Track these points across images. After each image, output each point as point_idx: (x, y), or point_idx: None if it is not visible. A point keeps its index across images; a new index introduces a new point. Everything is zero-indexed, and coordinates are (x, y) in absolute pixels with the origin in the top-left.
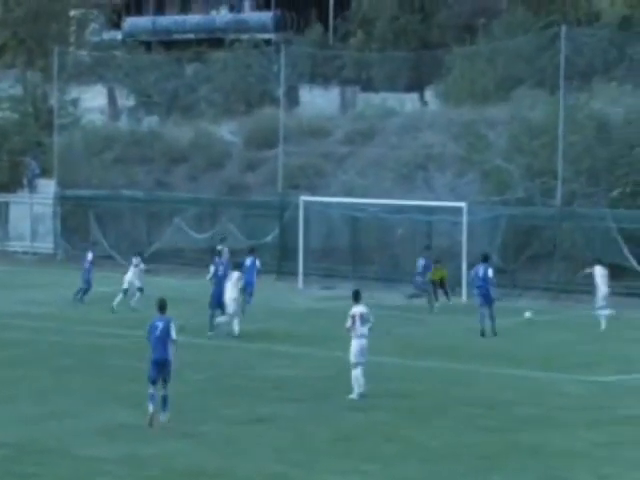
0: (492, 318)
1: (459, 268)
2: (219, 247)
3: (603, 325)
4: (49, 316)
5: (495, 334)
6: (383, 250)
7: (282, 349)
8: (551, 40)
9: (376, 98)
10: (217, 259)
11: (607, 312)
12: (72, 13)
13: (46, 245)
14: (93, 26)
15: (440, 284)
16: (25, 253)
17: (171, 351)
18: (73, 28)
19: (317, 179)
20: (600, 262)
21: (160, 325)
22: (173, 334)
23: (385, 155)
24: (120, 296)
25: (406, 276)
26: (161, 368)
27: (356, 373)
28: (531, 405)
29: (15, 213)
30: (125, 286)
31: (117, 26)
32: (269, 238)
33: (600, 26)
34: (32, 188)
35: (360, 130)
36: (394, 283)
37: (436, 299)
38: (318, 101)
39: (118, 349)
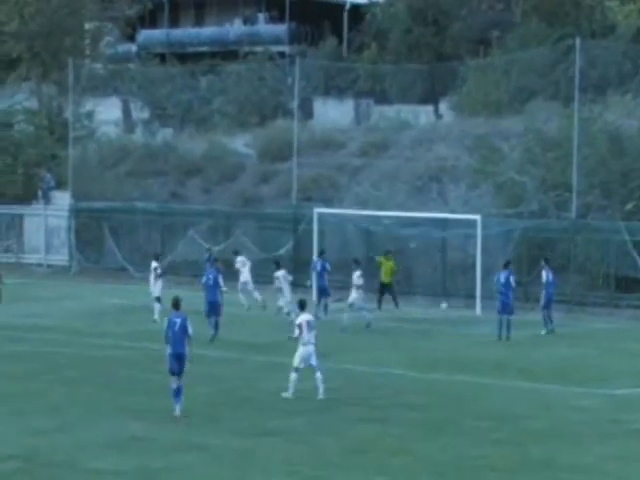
0: (508, 327)
1: (473, 281)
2: (206, 255)
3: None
4: (60, 328)
5: (508, 340)
6: (397, 262)
7: (291, 361)
8: (565, 52)
9: (390, 110)
10: (209, 266)
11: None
12: (87, 26)
13: (60, 257)
14: (107, 39)
15: (386, 287)
16: (39, 265)
17: (187, 345)
18: (88, 41)
19: (331, 191)
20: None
21: (178, 321)
22: (190, 330)
23: (399, 167)
24: (158, 306)
25: (420, 288)
26: (179, 361)
27: (294, 377)
28: (542, 418)
29: (30, 225)
30: (156, 294)
31: (131, 39)
32: (283, 250)
33: (614, 38)
34: (47, 200)
35: (374, 142)
36: (408, 296)
37: (379, 307)
38: (332, 113)
39: (129, 361)
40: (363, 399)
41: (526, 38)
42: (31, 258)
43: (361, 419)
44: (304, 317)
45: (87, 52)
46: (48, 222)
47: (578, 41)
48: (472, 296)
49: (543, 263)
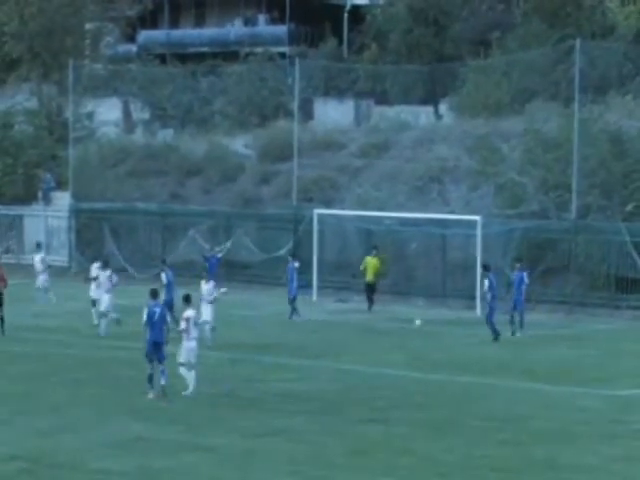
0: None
1: (473, 281)
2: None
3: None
4: (62, 329)
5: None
6: (397, 263)
7: (295, 362)
8: (566, 53)
9: (390, 111)
10: (165, 268)
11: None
12: (87, 26)
13: (61, 258)
14: (108, 39)
15: (371, 286)
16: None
17: (164, 333)
18: (88, 41)
19: (331, 192)
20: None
21: (158, 311)
22: (168, 318)
23: (399, 168)
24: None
25: (420, 289)
26: (156, 348)
27: (184, 371)
28: (546, 419)
29: (30, 226)
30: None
31: (132, 39)
32: (283, 251)
33: (615, 39)
34: (47, 201)
35: (374, 143)
36: (408, 296)
37: (370, 306)
38: (332, 114)
39: (131, 362)
40: (366, 400)
41: (526, 39)
42: (31, 259)
43: (364, 420)
44: (190, 312)
45: (87, 52)
46: (48, 223)
47: (578, 42)
48: (472, 297)
49: (517, 264)
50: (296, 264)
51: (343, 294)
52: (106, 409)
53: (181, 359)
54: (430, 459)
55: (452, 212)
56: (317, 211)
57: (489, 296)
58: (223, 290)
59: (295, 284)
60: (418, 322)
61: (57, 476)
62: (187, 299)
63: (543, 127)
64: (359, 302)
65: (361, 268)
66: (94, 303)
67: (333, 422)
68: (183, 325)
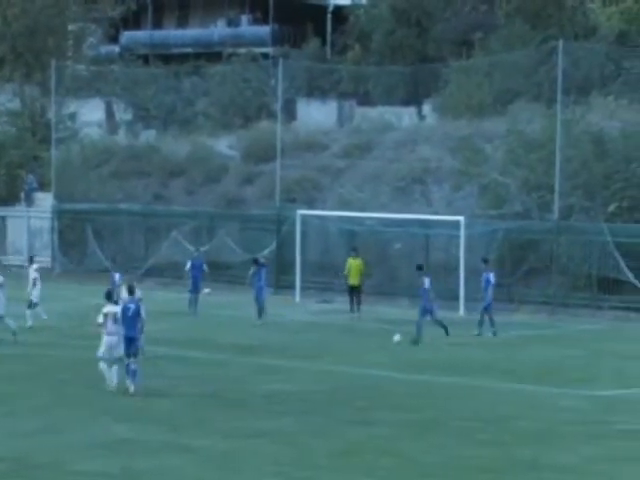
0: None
1: (456, 282)
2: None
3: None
4: (45, 330)
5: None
6: (381, 264)
7: (279, 363)
8: (548, 54)
9: (373, 112)
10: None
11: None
12: (70, 27)
13: (43, 259)
14: (91, 40)
15: (355, 289)
16: (22, 267)
17: (139, 328)
18: (71, 42)
19: (314, 193)
20: (486, 261)
21: (132, 307)
22: (143, 314)
23: (382, 169)
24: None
25: (404, 290)
26: (132, 343)
27: (103, 366)
28: (529, 419)
29: (12, 227)
30: None
31: (115, 40)
32: (266, 252)
33: (597, 40)
34: (29, 202)
35: (357, 144)
36: (392, 296)
37: (357, 309)
38: (315, 115)
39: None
40: (350, 401)
41: (509, 40)
42: (14, 260)
43: (348, 421)
44: (110, 308)
45: (70, 53)
46: (31, 224)
47: (561, 43)
48: (456, 297)
49: (484, 265)
50: (262, 266)
51: (326, 295)
52: (89, 410)
53: (99, 353)
54: (413, 460)
55: (435, 213)
56: (300, 212)
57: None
58: (206, 291)
59: (260, 285)
60: (397, 338)
61: (39, 477)
62: (109, 295)
63: (526, 128)
64: (342, 303)
65: (345, 273)
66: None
67: (317, 423)
68: (100, 319)
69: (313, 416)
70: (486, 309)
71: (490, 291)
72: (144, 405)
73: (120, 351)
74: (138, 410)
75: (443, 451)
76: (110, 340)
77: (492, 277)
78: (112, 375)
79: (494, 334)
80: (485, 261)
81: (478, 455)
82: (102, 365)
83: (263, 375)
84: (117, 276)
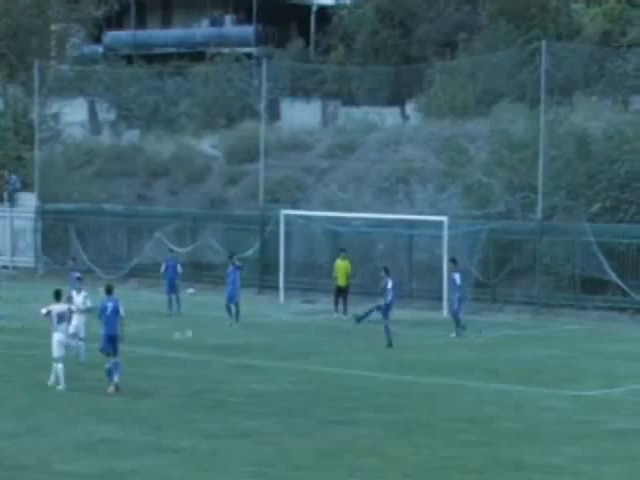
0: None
1: (440, 282)
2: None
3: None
4: (28, 331)
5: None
6: (365, 264)
7: (262, 363)
8: (532, 55)
9: (357, 112)
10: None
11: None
12: (53, 27)
13: (26, 259)
14: (74, 40)
15: (342, 290)
16: (5, 267)
17: (119, 326)
18: (54, 42)
19: (298, 193)
20: (454, 262)
21: (110, 305)
22: (122, 311)
23: (366, 169)
24: None
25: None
26: (113, 342)
27: (56, 367)
28: (513, 420)
29: None
30: None
31: (98, 40)
32: (250, 252)
33: (580, 41)
34: (12, 202)
35: (341, 144)
36: (375, 297)
37: (344, 309)
38: (299, 115)
39: (96, 363)
40: (334, 401)
41: (493, 40)
42: None
43: (332, 421)
44: (56, 307)
45: (53, 53)
46: (14, 224)
47: (544, 43)
48: (439, 298)
49: (451, 265)
50: (238, 264)
51: (310, 295)
52: (72, 411)
53: (54, 354)
54: (397, 460)
55: (419, 213)
56: (284, 212)
57: (457, 294)
58: (190, 291)
59: (235, 286)
60: (178, 335)
61: (20, 478)
62: (57, 295)
63: (509, 128)
64: (326, 303)
65: (334, 275)
66: None
67: (300, 423)
68: (45, 311)
69: (297, 416)
70: (454, 310)
71: (456, 292)
72: (127, 406)
73: (61, 350)
74: (121, 411)
75: (428, 451)
76: (56, 337)
77: (458, 278)
78: (56, 372)
79: (458, 335)
80: (453, 261)
81: (462, 455)
82: (56, 366)
83: (246, 375)
84: (75, 276)
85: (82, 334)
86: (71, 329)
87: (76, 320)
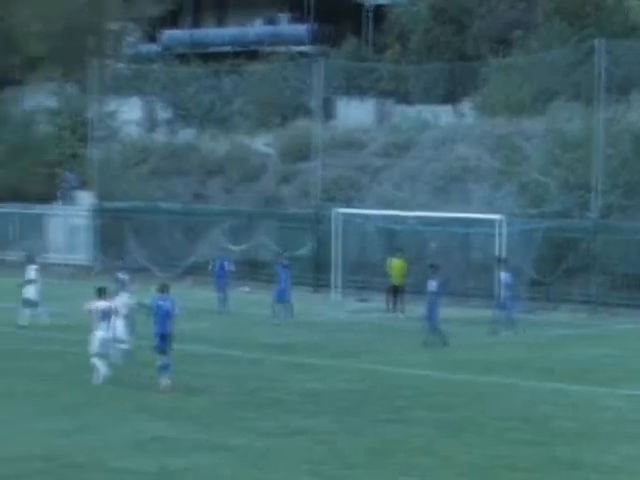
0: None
1: (495, 280)
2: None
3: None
4: (83, 328)
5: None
6: (419, 263)
7: (315, 362)
8: (587, 53)
9: (412, 110)
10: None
11: None
12: (109, 26)
13: (83, 257)
14: (130, 39)
15: (398, 289)
16: (61, 265)
17: (172, 325)
18: (110, 41)
19: (353, 192)
20: (503, 261)
21: (164, 304)
22: (176, 310)
23: (421, 168)
24: None
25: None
26: (166, 340)
27: (95, 361)
28: (567, 418)
29: (52, 225)
30: None
31: (153, 39)
32: (305, 250)
33: (636, 38)
34: (69, 200)
35: (396, 142)
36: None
37: (401, 308)
38: (354, 113)
39: (150, 361)
40: (386, 399)
41: (548, 38)
42: (53, 258)
43: (385, 419)
44: (98, 304)
45: (109, 52)
46: (71, 222)
47: (600, 42)
48: (494, 296)
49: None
50: (285, 262)
51: (364, 294)
52: (122, 408)
53: (93, 349)
54: (450, 459)
55: (474, 211)
56: (338, 210)
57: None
58: (245, 289)
59: (285, 284)
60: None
61: (75, 475)
62: (100, 292)
63: (565, 127)
64: (380, 302)
65: (389, 272)
66: (29, 304)
67: (353, 422)
68: (87, 307)
69: (349, 415)
70: (501, 308)
71: (503, 291)
72: (179, 403)
73: (101, 347)
74: (173, 408)
75: (480, 450)
76: (96, 334)
77: (507, 277)
78: (102, 369)
79: (493, 332)
80: (503, 260)
81: (515, 455)
82: (95, 361)
83: (299, 374)
84: (122, 275)
85: (124, 336)
86: (111, 332)
87: (116, 322)
